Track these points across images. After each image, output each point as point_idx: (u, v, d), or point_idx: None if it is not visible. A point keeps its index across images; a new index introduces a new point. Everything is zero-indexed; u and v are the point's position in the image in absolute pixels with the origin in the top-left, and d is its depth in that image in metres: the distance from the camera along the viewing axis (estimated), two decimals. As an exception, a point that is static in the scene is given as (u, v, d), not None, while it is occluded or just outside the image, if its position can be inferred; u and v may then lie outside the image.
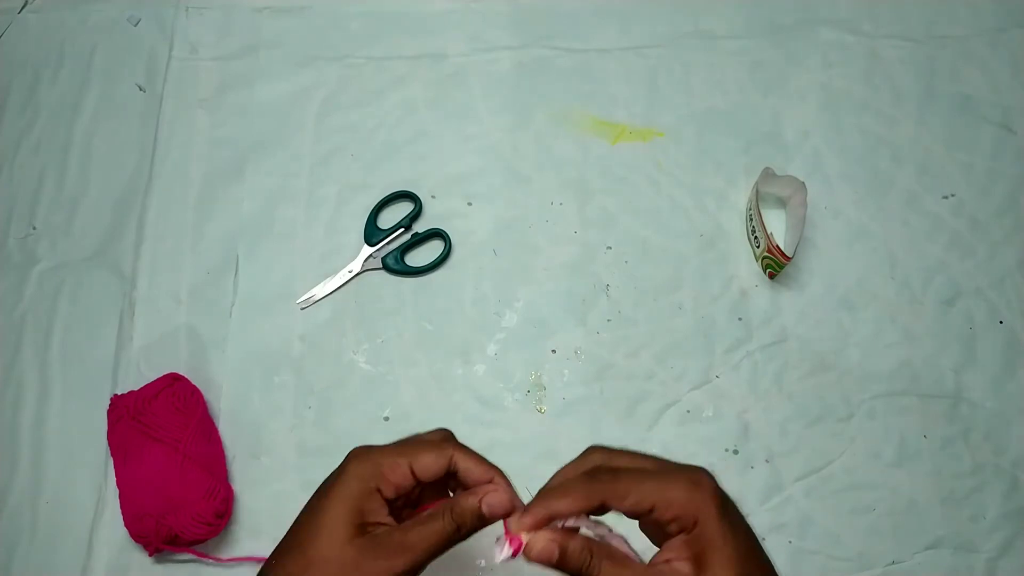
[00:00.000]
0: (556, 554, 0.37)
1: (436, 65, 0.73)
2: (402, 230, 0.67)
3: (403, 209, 0.68)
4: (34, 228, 0.69)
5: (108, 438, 0.60)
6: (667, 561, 0.37)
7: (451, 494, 0.43)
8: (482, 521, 0.39)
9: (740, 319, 0.65)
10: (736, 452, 0.61)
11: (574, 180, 0.69)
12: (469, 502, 0.39)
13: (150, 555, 0.57)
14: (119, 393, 0.61)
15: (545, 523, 0.38)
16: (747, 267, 0.66)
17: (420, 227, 0.68)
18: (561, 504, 0.38)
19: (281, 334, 0.65)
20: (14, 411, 0.64)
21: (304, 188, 0.69)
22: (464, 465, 0.41)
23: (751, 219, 0.65)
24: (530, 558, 0.38)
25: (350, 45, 0.74)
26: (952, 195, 0.68)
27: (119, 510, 0.59)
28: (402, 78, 0.72)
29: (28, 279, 0.67)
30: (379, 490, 0.39)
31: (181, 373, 0.62)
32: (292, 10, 0.75)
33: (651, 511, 0.37)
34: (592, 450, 0.40)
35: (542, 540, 0.37)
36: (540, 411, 0.63)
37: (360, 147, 0.70)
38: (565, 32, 0.73)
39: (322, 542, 0.37)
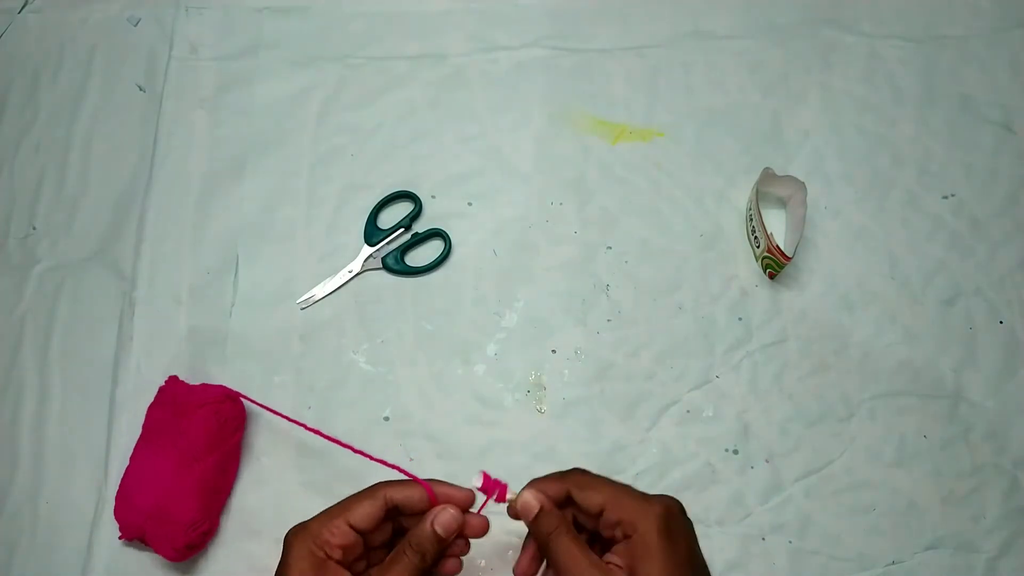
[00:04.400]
0: (536, 509, 0.42)
1: (436, 65, 0.73)
2: (402, 230, 0.67)
3: (403, 209, 0.68)
4: (34, 228, 0.69)
5: (147, 411, 0.61)
6: (608, 563, 0.40)
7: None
8: (442, 542, 0.42)
9: (740, 319, 0.65)
10: (736, 452, 0.61)
11: (574, 180, 0.69)
12: (423, 530, 0.41)
13: (119, 538, 0.58)
14: (177, 377, 0.61)
15: (532, 497, 0.43)
16: (747, 267, 0.66)
17: (420, 227, 0.68)
18: (540, 484, 0.43)
19: (281, 334, 0.65)
20: (14, 411, 0.64)
21: (304, 188, 0.69)
22: (401, 497, 0.42)
23: (751, 219, 0.65)
24: (515, 506, 0.43)
25: (350, 45, 0.74)
26: (952, 195, 0.68)
27: (121, 506, 0.59)
28: (402, 78, 0.72)
29: (28, 279, 0.67)
30: (329, 558, 0.40)
31: (234, 390, 0.60)
32: (292, 10, 0.75)
33: (600, 513, 0.41)
34: (575, 469, 0.45)
35: (532, 496, 0.43)
36: (540, 411, 0.63)
37: (360, 147, 0.70)
38: (565, 32, 0.74)
39: None
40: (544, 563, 0.44)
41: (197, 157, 0.71)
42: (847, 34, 0.73)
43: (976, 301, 0.65)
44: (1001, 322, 0.64)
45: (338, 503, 0.42)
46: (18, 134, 0.72)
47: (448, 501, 0.43)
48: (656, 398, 0.63)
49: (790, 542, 0.59)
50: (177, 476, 0.57)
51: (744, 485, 0.60)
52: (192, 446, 0.58)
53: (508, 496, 0.43)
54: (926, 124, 0.70)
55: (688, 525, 0.41)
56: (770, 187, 0.66)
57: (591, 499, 0.41)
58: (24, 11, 0.77)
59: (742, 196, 0.68)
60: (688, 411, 0.62)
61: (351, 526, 0.41)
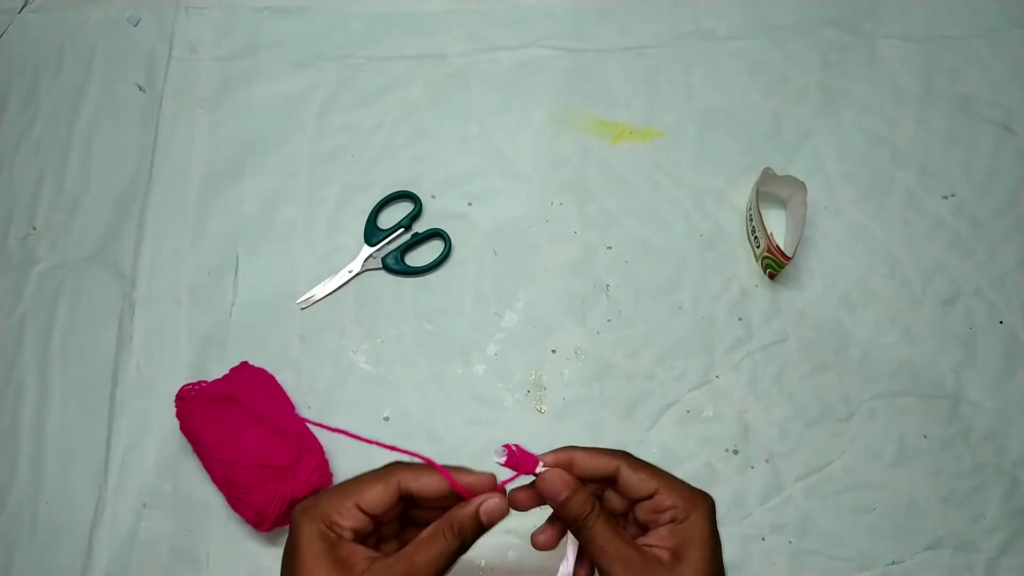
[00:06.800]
0: (564, 493, 0.38)
1: (436, 65, 0.73)
2: (402, 230, 0.67)
3: (403, 209, 0.68)
4: (34, 228, 0.69)
5: (189, 425, 0.60)
6: (649, 546, 0.39)
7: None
8: (482, 530, 0.40)
9: (740, 319, 0.65)
10: (736, 452, 0.61)
11: (574, 180, 0.69)
12: (467, 515, 0.39)
13: (264, 529, 0.57)
14: (193, 382, 0.61)
15: (565, 463, 0.40)
16: (747, 267, 0.66)
17: (420, 227, 0.68)
18: (584, 456, 0.40)
19: (281, 334, 0.65)
20: (14, 411, 0.64)
21: (304, 188, 0.69)
22: (416, 487, 0.40)
23: (751, 219, 0.65)
24: (540, 489, 0.39)
25: (350, 45, 0.74)
26: (952, 195, 0.68)
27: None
28: (402, 78, 0.72)
29: (28, 279, 0.67)
30: (341, 537, 0.38)
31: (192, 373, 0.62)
32: (292, 10, 0.75)
33: (654, 494, 0.39)
34: (622, 452, 0.42)
35: (557, 476, 0.39)
36: (540, 411, 0.63)
37: (360, 147, 0.70)
38: (565, 32, 0.73)
39: None
40: (567, 534, 0.42)
41: (197, 157, 0.71)
42: (847, 34, 0.73)
43: (976, 301, 0.65)
44: (1001, 322, 0.64)
45: (349, 481, 0.40)
46: (18, 134, 0.72)
47: (473, 489, 0.40)
48: (656, 398, 0.63)
49: (790, 542, 0.59)
50: (284, 437, 0.58)
51: (744, 485, 0.60)
52: (269, 410, 0.59)
53: (538, 468, 0.40)
54: (926, 124, 0.70)
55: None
56: (770, 187, 0.66)
57: (645, 482, 0.40)
58: (24, 11, 0.77)
59: (742, 196, 0.68)
60: (688, 411, 0.62)
61: (361, 510, 0.39)
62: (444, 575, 0.38)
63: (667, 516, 0.39)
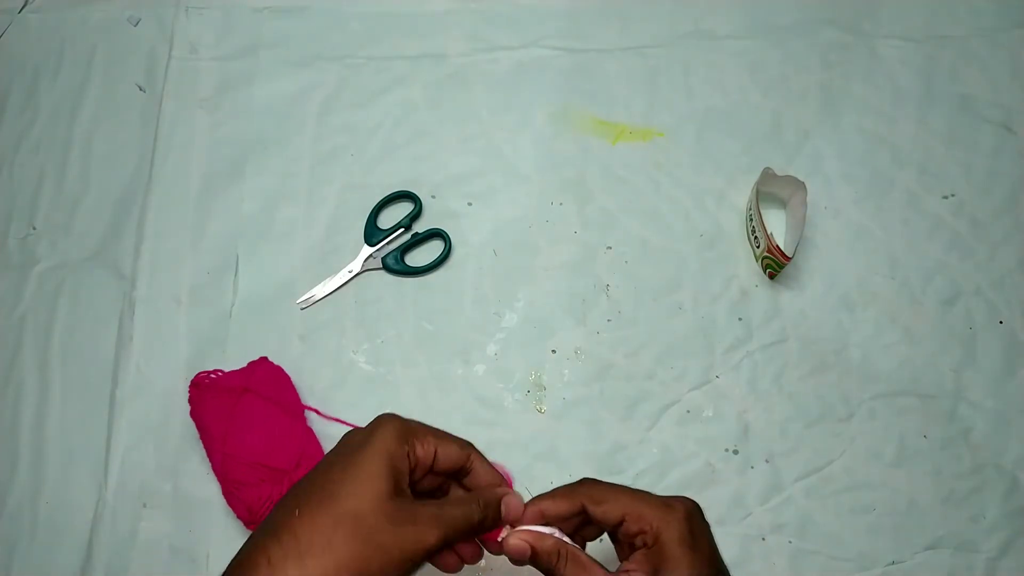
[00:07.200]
0: (529, 550, 0.39)
1: (436, 65, 0.73)
2: (402, 230, 0.67)
3: (403, 209, 0.68)
4: (34, 228, 0.69)
5: (199, 412, 0.60)
6: (627, 572, 0.38)
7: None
8: (498, 520, 0.40)
9: (740, 319, 0.65)
10: (736, 452, 0.61)
11: (574, 180, 0.69)
12: (494, 496, 0.40)
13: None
14: (206, 371, 0.62)
15: (537, 521, 0.41)
16: (747, 267, 0.66)
17: (420, 227, 0.68)
18: (548, 504, 0.41)
19: (281, 334, 0.65)
20: (14, 411, 0.64)
21: (304, 188, 0.69)
22: (478, 467, 0.42)
23: (751, 219, 0.65)
24: (506, 551, 0.40)
25: (350, 45, 0.74)
26: (952, 195, 0.68)
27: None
28: (402, 78, 0.72)
29: (28, 279, 0.68)
30: (408, 457, 0.38)
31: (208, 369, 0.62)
32: (292, 10, 0.75)
33: (621, 522, 0.39)
34: (584, 480, 0.43)
35: (517, 536, 0.40)
36: (540, 411, 0.63)
37: (360, 147, 0.70)
38: (565, 32, 0.73)
39: (360, 496, 0.36)
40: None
41: (197, 157, 0.71)
42: (847, 34, 0.73)
43: (976, 301, 0.65)
44: (1001, 322, 0.64)
45: (439, 428, 0.41)
46: (18, 134, 0.72)
47: (517, 501, 0.41)
48: (656, 398, 0.63)
49: (790, 542, 0.59)
50: (288, 440, 0.58)
51: (744, 485, 0.60)
52: (291, 400, 0.60)
53: (501, 535, 0.41)
54: (926, 124, 0.70)
55: (707, 527, 0.41)
56: (770, 187, 0.66)
57: (609, 513, 0.40)
58: (24, 11, 0.77)
59: (742, 196, 0.68)
60: (688, 411, 0.62)
61: (435, 455, 0.40)
62: (455, 542, 0.39)
63: (639, 541, 0.39)
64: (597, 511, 0.40)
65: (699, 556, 0.38)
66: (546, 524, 0.41)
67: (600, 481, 0.42)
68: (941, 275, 0.65)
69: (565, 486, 0.42)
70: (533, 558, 0.40)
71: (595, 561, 0.39)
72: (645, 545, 0.39)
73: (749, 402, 0.62)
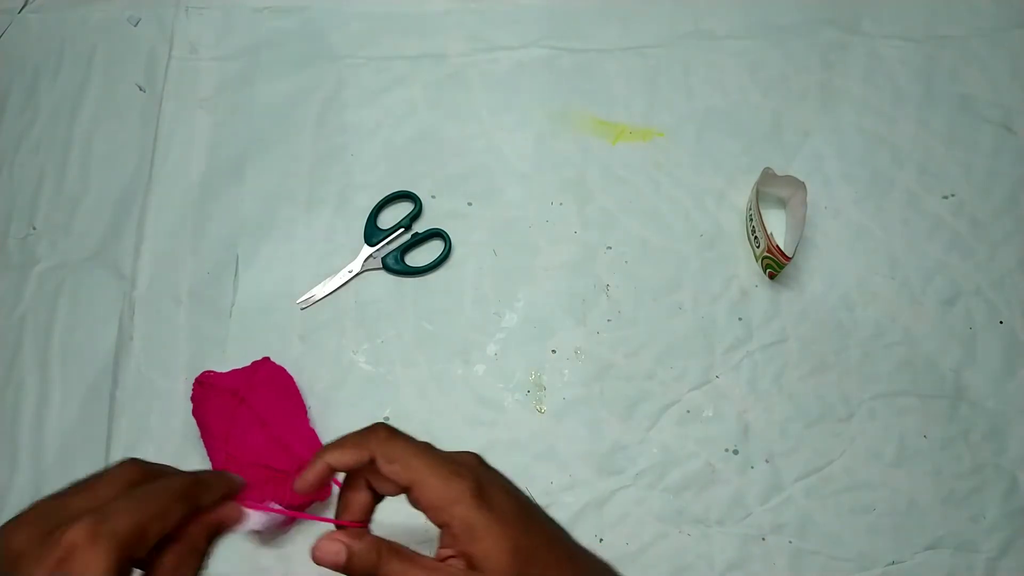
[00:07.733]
0: (344, 555, 0.35)
1: (436, 65, 0.73)
2: (402, 230, 0.67)
3: (403, 209, 0.68)
4: (34, 228, 0.69)
5: (202, 411, 0.60)
6: (445, 558, 0.35)
7: None
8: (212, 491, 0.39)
9: (740, 319, 0.65)
10: (736, 452, 0.61)
11: (574, 180, 0.69)
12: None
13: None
14: (213, 371, 0.62)
15: (325, 475, 0.36)
16: (747, 267, 0.66)
17: (420, 227, 0.68)
18: (335, 455, 0.36)
19: (281, 334, 0.65)
20: (14, 411, 0.64)
21: (304, 188, 0.69)
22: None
23: (751, 219, 0.65)
24: (318, 562, 0.35)
25: (350, 45, 0.74)
26: (952, 195, 0.68)
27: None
28: (402, 78, 0.72)
29: (28, 279, 0.67)
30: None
31: (271, 359, 0.63)
32: (292, 10, 0.75)
33: (408, 489, 0.36)
34: (378, 424, 0.38)
35: (329, 542, 0.35)
36: (540, 411, 0.63)
37: (360, 147, 0.70)
38: (565, 32, 0.73)
39: None
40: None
41: (197, 157, 0.71)
42: (847, 34, 0.73)
43: (976, 301, 0.65)
44: (1001, 322, 0.64)
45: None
46: (18, 134, 0.72)
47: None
48: (656, 398, 0.63)
49: (790, 542, 0.59)
50: (291, 442, 0.58)
51: (744, 485, 0.60)
52: (274, 417, 0.59)
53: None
54: (926, 124, 0.70)
55: (498, 478, 0.37)
56: (770, 187, 0.66)
57: (398, 475, 0.35)
58: (24, 11, 0.77)
59: (742, 196, 0.68)
60: (688, 411, 0.62)
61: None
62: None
63: (433, 519, 0.35)
64: (387, 468, 0.36)
65: (499, 519, 0.35)
66: (334, 474, 0.37)
67: (397, 433, 0.37)
68: (941, 275, 0.65)
69: (355, 433, 0.37)
70: (349, 564, 0.35)
71: (417, 553, 0.36)
72: (443, 524, 0.35)
73: (749, 402, 0.62)
